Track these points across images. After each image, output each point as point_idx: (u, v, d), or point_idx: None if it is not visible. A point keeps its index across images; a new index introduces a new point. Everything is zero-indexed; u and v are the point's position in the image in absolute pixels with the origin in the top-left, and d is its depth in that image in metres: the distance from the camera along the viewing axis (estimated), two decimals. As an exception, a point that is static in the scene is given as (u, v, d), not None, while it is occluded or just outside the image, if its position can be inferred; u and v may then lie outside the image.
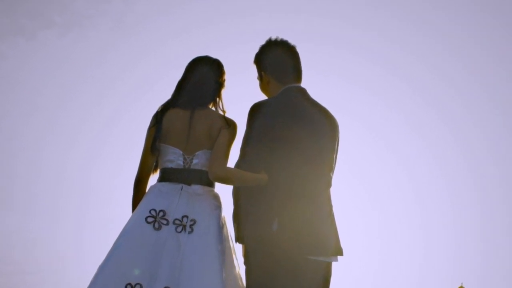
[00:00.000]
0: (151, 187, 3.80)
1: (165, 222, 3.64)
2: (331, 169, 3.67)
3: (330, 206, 3.67)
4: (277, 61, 3.77)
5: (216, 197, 3.79)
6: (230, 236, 3.76)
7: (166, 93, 3.91)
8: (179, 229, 3.63)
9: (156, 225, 3.63)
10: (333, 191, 3.70)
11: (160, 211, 3.65)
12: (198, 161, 3.75)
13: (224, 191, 3.77)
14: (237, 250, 3.75)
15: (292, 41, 3.82)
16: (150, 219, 3.64)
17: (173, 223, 3.63)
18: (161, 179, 3.78)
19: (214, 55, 3.93)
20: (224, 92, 3.91)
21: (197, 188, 3.73)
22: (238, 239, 3.64)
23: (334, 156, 3.70)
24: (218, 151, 3.69)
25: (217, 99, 3.88)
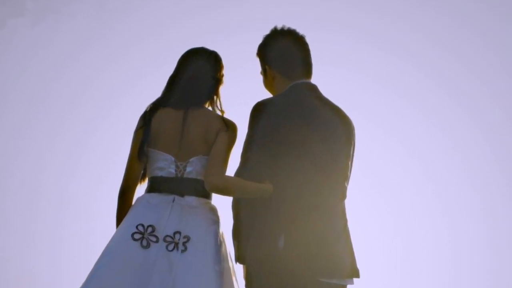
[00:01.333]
0: (138, 198, 3.81)
1: (154, 239, 3.64)
2: (346, 177, 3.67)
3: (345, 220, 3.67)
4: (284, 53, 3.77)
5: (213, 210, 3.79)
6: (230, 255, 3.76)
7: (155, 90, 3.91)
8: (171, 247, 3.63)
9: (144, 242, 3.63)
10: (348, 203, 3.70)
11: (148, 226, 3.65)
12: (193, 168, 3.75)
13: (223, 203, 3.77)
14: (238, 271, 3.75)
15: (300, 30, 3.82)
16: (137, 236, 3.64)
17: (164, 240, 3.64)
18: (150, 190, 3.79)
19: (211, 46, 3.94)
20: (222, 90, 3.91)
21: (191, 199, 3.74)
22: (238, 258, 3.64)
23: (350, 163, 3.70)
24: (215, 157, 3.69)
25: (215, 97, 3.89)
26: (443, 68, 8.29)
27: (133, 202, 3.83)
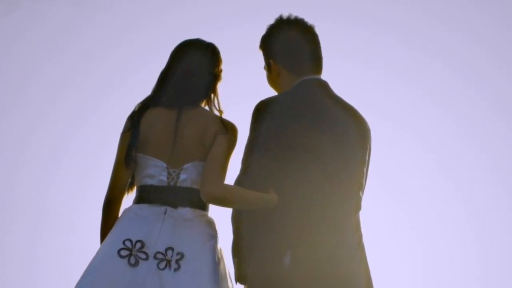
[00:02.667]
0: (126, 210, 3.81)
1: (143, 256, 3.64)
2: (360, 186, 3.67)
3: (360, 235, 3.67)
4: (290, 46, 3.78)
5: (211, 224, 3.79)
6: (229, 274, 3.76)
7: (145, 87, 3.92)
8: (162, 265, 3.63)
9: (132, 260, 3.63)
10: (364, 214, 3.71)
11: (137, 242, 3.65)
12: (187, 176, 3.75)
13: (221, 216, 3.77)
14: (238, 292, 3.76)
15: (309, 19, 3.83)
16: (124, 253, 3.64)
17: (154, 257, 3.64)
18: (138, 200, 3.79)
19: (208, 38, 3.94)
20: (220, 87, 3.92)
21: (185, 211, 3.74)
22: (239, 278, 3.64)
23: (365, 170, 3.71)
24: (213, 163, 3.70)
25: (212, 95, 3.89)
26: (467, 61, 8.31)
27: (119, 214, 3.83)
